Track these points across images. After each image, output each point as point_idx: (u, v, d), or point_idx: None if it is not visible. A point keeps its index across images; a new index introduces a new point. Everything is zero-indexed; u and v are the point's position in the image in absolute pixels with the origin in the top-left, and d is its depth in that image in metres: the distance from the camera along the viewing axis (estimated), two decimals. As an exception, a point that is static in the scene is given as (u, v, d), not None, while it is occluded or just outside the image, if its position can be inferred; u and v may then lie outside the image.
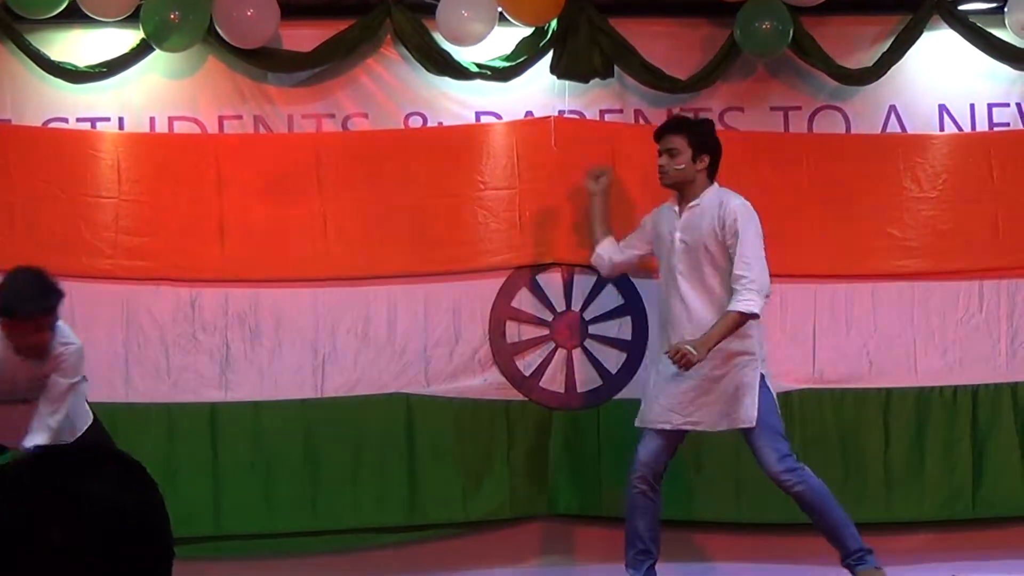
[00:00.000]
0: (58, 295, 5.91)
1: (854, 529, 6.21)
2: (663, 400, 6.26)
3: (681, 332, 6.18)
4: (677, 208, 6.35)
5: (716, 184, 6.36)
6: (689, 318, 6.22)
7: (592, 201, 6.62)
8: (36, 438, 5.85)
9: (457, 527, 7.03)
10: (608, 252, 6.53)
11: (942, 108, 7.44)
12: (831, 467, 7.03)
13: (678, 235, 6.32)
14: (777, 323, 7.08)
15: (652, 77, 7.09)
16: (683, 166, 6.26)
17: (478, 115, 7.25)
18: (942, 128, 7.43)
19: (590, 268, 7.08)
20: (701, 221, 6.28)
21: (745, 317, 6.14)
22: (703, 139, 6.34)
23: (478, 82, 7.09)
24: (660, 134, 6.42)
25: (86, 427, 6.11)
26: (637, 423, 6.43)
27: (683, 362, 6.04)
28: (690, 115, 7.22)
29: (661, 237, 6.42)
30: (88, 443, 5.75)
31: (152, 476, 1.86)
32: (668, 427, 6.26)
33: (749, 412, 6.13)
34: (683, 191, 6.33)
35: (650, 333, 7.14)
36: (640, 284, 7.07)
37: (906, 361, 7.19)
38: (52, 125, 7.01)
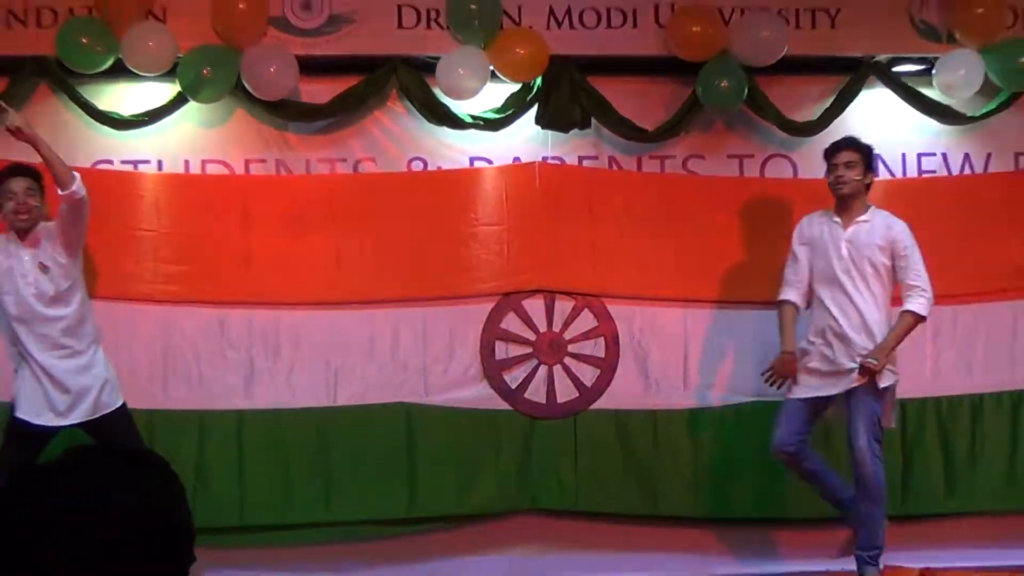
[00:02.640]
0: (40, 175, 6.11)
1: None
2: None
3: (845, 328, 6.41)
4: (839, 220, 6.52)
5: (874, 205, 6.56)
6: (856, 314, 6.43)
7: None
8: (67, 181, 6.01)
9: (451, 520, 7.22)
10: (802, 299, 6.63)
11: (877, 156, 7.33)
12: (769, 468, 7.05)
13: (844, 246, 6.50)
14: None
15: (624, 128, 7.26)
16: (859, 177, 6.49)
17: (472, 160, 7.42)
18: (878, 173, 7.26)
19: (569, 294, 7.36)
20: (871, 237, 6.47)
21: (920, 318, 6.44)
22: (871, 159, 6.60)
23: (472, 131, 7.27)
24: (837, 149, 6.59)
25: (106, 375, 6.18)
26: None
27: (869, 375, 6.32)
28: (657, 162, 7.46)
29: (819, 245, 6.56)
30: (113, 445, 5.51)
31: (174, 471, 1.87)
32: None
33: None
34: (851, 204, 6.51)
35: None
36: (612, 309, 7.34)
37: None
38: (100, 167, 7.15)
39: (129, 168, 7.27)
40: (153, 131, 7.27)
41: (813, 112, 7.52)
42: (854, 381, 6.41)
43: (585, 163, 7.62)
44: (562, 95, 7.32)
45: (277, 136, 7.43)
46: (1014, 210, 7.69)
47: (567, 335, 7.40)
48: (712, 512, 7.28)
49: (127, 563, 1.69)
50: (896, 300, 6.59)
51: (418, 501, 7.22)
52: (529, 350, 7.37)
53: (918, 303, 6.45)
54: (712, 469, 7.25)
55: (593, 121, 7.39)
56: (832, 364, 6.45)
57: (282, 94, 7.21)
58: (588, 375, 7.39)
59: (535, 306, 7.42)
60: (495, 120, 7.34)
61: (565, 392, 7.38)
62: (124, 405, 6.32)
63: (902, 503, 7.35)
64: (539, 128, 7.43)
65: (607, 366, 7.39)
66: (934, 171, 7.73)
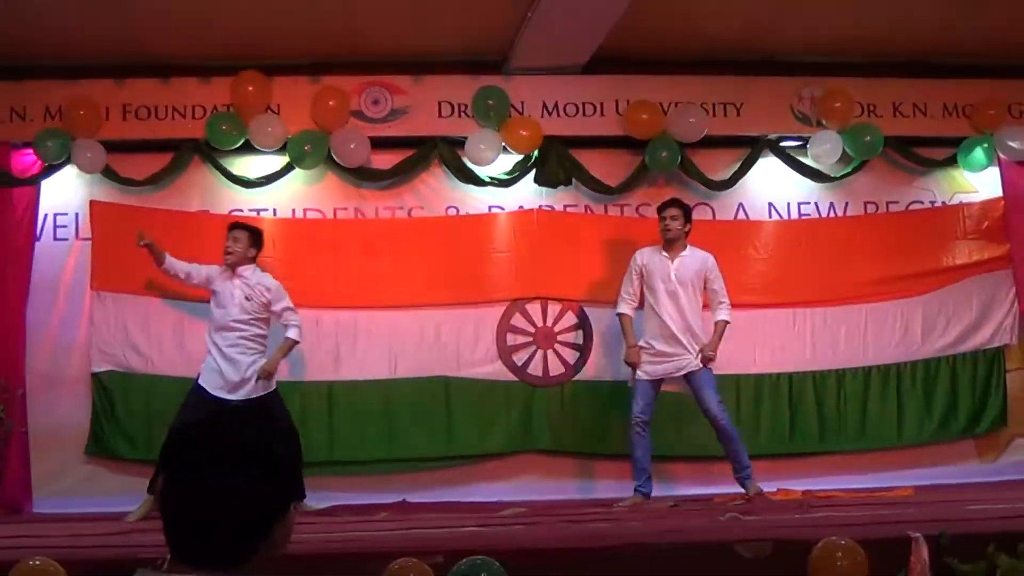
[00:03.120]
0: (257, 233, 7.12)
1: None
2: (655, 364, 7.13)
3: (674, 329, 7.11)
4: (667, 254, 7.22)
5: (690, 245, 7.37)
6: (684, 321, 7.21)
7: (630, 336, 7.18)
8: (291, 332, 7.13)
9: (477, 458, 8.15)
10: (632, 311, 7.33)
11: (770, 204, 8.74)
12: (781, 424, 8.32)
13: (673, 274, 7.18)
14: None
15: (595, 184, 8.30)
16: (681, 227, 7.24)
17: (490, 207, 8.38)
18: (771, 216, 8.67)
19: (558, 299, 8.23)
20: (692, 265, 7.25)
21: (728, 323, 7.32)
22: (690, 214, 7.34)
23: (490, 188, 8.28)
24: (667, 205, 7.29)
25: (274, 384, 7.09)
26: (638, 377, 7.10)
27: (707, 363, 7.18)
28: (618, 208, 8.40)
29: (653, 274, 7.20)
30: (262, 407, 6.81)
31: (293, 427, 2.15)
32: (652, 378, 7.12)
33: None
34: (675, 244, 7.25)
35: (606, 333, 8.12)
36: (588, 310, 8.26)
37: (749, 358, 8.49)
38: (233, 213, 8.17)
39: (253, 215, 8.29)
40: (270, 189, 8.31)
41: (726, 173, 8.63)
42: (696, 366, 7.33)
43: (568, 209, 8.62)
44: (552, 162, 8.37)
45: (355, 192, 8.42)
46: (862, 241, 8.76)
47: (557, 328, 8.46)
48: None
49: (247, 476, 1.95)
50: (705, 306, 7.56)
51: (453, 444, 8.20)
52: (531, 339, 8.39)
53: (726, 312, 7.38)
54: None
55: (574, 180, 8.45)
56: (666, 355, 7.36)
57: (359, 163, 8.29)
58: (571, 356, 8.44)
59: (535, 308, 8.43)
60: (506, 180, 8.38)
61: (555, 368, 8.43)
62: (276, 390, 7.24)
63: (789, 443, 8.49)
64: (536, 185, 8.49)
65: (584, 350, 8.50)
66: (810, 215, 8.81)
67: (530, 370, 8.43)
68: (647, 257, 7.39)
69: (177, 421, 6.75)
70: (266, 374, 7.17)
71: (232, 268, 7.25)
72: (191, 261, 7.59)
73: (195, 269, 7.43)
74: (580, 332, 8.49)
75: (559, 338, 8.47)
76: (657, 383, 7.41)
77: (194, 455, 2.03)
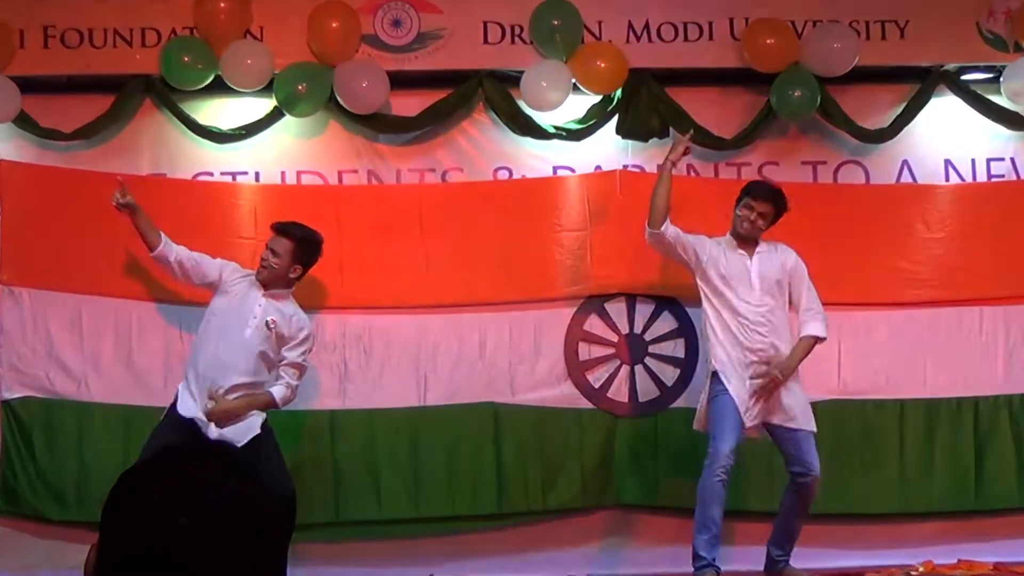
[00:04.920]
0: (310, 244, 6.36)
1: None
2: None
3: (759, 352, 6.39)
4: (742, 251, 6.54)
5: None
6: (769, 341, 6.44)
7: (668, 167, 6.54)
8: (278, 391, 6.26)
9: (537, 515, 7.19)
10: (674, 232, 6.52)
11: (947, 162, 7.66)
12: (855, 470, 7.21)
13: (756, 278, 6.51)
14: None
15: (702, 137, 7.24)
16: (763, 229, 6.53)
17: (555, 169, 7.45)
18: (947, 179, 7.61)
19: (650, 297, 7.29)
20: (774, 263, 6.53)
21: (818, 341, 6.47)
22: (782, 213, 6.59)
23: (555, 141, 7.32)
24: (757, 195, 6.56)
25: (262, 420, 6.28)
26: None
27: (773, 387, 6.37)
28: (734, 169, 7.50)
29: (727, 278, 6.53)
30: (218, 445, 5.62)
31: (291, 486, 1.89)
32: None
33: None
34: (748, 240, 6.56)
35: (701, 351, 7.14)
36: (692, 312, 7.21)
37: (919, 377, 7.36)
38: (200, 178, 7.25)
39: (228, 179, 7.33)
40: (250, 144, 7.33)
41: (884, 120, 7.52)
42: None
43: None
44: (641, 106, 7.34)
45: (368, 147, 7.45)
46: (1081, 213, 7.51)
47: (648, 336, 7.39)
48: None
49: (209, 556, 1.73)
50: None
51: (505, 497, 7.18)
52: (611, 351, 7.35)
53: (821, 325, 6.53)
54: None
55: (671, 130, 7.40)
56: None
57: (373, 107, 7.27)
58: (668, 375, 7.37)
59: (617, 308, 7.38)
60: (577, 130, 7.37)
61: (646, 391, 7.35)
62: (271, 433, 6.41)
63: (975, 495, 7.29)
64: (619, 138, 7.44)
65: (687, 366, 7.36)
66: (1003, 175, 7.70)
67: (611, 394, 7.33)
68: (717, 250, 6.55)
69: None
70: (220, 416, 6.16)
71: (263, 283, 6.41)
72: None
73: (208, 261, 6.50)
74: (681, 341, 7.38)
75: (652, 349, 7.37)
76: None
77: (143, 517, 1.75)
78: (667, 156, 6.62)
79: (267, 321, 6.30)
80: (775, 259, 6.55)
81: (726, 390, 6.38)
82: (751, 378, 6.36)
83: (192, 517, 1.73)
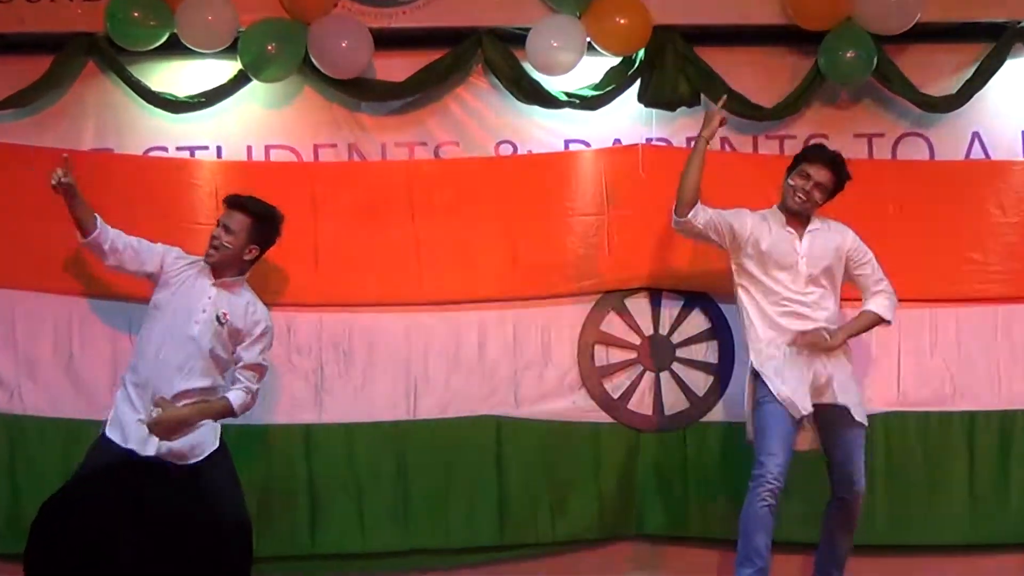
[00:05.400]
0: (269, 221, 6.09)
1: None
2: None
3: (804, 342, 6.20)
4: (790, 229, 6.37)
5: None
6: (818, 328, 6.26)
7: (702, 146, 6.46)
8: (235, 396, 6.07)
9: (545, 547, 7.02)
10: (706, 218, 6.41)
11: None
12: (917, 491, 7.06)
13: (803, 260, 6.33)
14: (862, 346, 7.03)
15: (738, 105, 7.05)
16: (819, 203, 6.32)
17: (567, 143, 7.27)
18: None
19: (677, 293, 7.20)
20: (827, 244, 6.32)
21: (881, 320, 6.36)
22: (843, 183, 6.38)
23: (567, 111, 7.13)
24: (813, 158, 6.39)
25: (218, 434, 6.13)
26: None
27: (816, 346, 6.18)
28: (776, 143, 7.36)
29: (769, 255, 6.38)
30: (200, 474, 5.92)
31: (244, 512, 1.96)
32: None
33: None
34: (799, 215, 6.35)
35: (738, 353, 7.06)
36: (727, 309, 7.06)
37: (990, 384, 7.15)
38: (152, 154, 7.07)
39: (185, 155, 7.18)
40: (211, 114, 7.16)
41: (951, 85, 7.31)
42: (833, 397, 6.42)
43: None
44: (667, 69, 7.14)
45: (349, 118, 7.29)
46: None
47: (675, 338, 7.21)
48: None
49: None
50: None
51: (508, 527, 7.04)
52: (633, 355, 7.18)
53: (886, 303, 6.45)
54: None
55: (703, 97, 7.19)
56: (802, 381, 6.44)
57: (354, 71, 7.09)
58: (700, 383, 7.19)
59: (639, 306, 7.23)
60: (592, 98, 7.18)
61: (674, 402, 7.20)
62: (226, 451, 6.32)
63: None
64: (642, 106, 7.23)
65: (722, 373, 7.15)
66: None
67: (633, 405, 7.17)
68: (761, 225, 6.43)
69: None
70: (168, 426, 5.99)
71: (214, 269, 6.27)
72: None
73: (147, 246, 6.32)
74: (714, 344, 7.21)
75: (680, 353, 7.20)
76: (797, 426, 6.32)
77: (71, 551, 1.81)
78: (700, 131, 6.47)
79: (218, 315, 6.14)
80: (829, 240, 6.37)
81: (772, 395, 6.23)
82: (789, 344, 6.27)
83: (128, 548, 1.78)
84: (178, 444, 5.98)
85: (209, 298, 6.10)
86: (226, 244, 6.04)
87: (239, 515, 5.61)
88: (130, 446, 5.98)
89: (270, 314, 6.36)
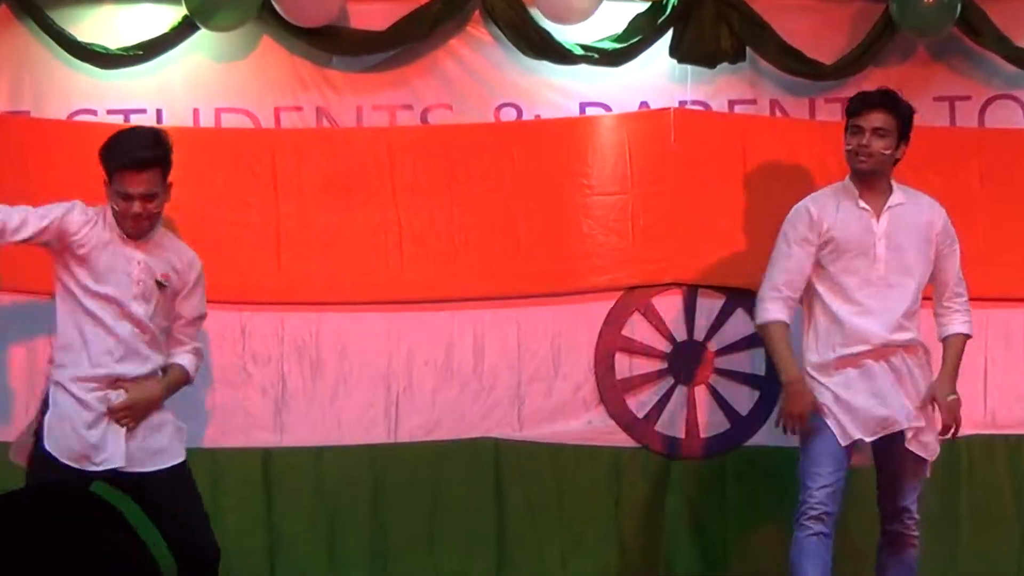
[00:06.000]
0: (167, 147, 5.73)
1: None
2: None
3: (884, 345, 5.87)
4: (865, 205, 5.85)
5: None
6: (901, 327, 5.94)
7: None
8: (184, 359, 5.85)
9: None
10: (790, 314, 5.95)
11: None
12: (1006, 525, 6.69)
13: (882, 241, 5.86)
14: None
15: (791, 61, 6.55)
16: (890, 152, 5.74)
17: (583, 107, 6.78)
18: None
19: (716, 289, 6.77)
20: (913, 220, 5.85)
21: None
22: (909, 126, 5.85)
23: (583, 67, 6.57)
24: (863, 107, 5.84)
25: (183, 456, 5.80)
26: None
27: (948, 432, 5.89)
28: (836, 106, 6.74)
29: (844, 242, 5.90)
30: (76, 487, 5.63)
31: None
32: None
33: None
34: (874, 184, 5.82)
35: None
36: None
37: None
38: (78, 118, 6.58)
39: (118, 120, 6.61)
40: (151, 70, 6.63)
41: None
42: (920, 422, 5.99)
43: (737, 109, 6.83)
44: (705, 17, 6.57)
45: (317, 75, 6.79)
46: None
47: (714, 345, 6.76)
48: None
49: None
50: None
51: (509, 568, 6.61)
52: (662, 365, 6.73)
53: (965, 320, 6.05)
54: None
55: (749, 52, 6.65)
56: (871, 397, 6.05)
57: (324, 19, 6.60)
58: (743, 400, 6.71)
59: (670, 305, 6.75)
60: (614, 52, 6.65)
61: (711, 423, 6.74)
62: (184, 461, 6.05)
63: None
64: (675, 62, 6.67)
65: (768, 387, 6.57)
66: None
67: (662, 426, 6.76)
68: (827, 210, 5.85)
69: None
70: (137, 408, 5.66)
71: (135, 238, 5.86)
72: None
73: (37, 214, 5.76)
74: (760, 352, 6.65)
75: (719, 363, 6.76)
76: (850, 448, 5.87)
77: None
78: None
79: (158, 280, 5.73)
80: (915, 217, 5.84)
81: (822, 420, 5.77)
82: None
83: None
84: (140, 448, 5.54)
85: (139, 264, 5.67)
86: (154, 211, 5.63)
87: (209, 542, 5.46)
88: (80, 455, 5.53)
89: (197, 257, 5.98)
